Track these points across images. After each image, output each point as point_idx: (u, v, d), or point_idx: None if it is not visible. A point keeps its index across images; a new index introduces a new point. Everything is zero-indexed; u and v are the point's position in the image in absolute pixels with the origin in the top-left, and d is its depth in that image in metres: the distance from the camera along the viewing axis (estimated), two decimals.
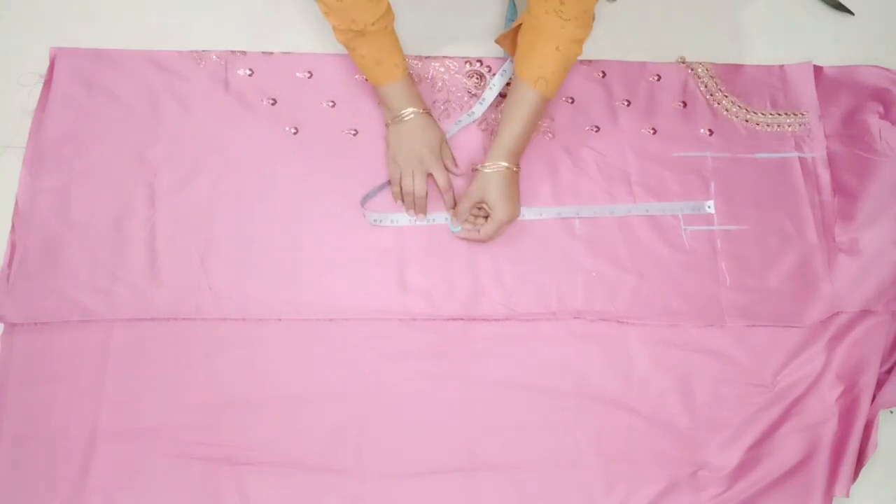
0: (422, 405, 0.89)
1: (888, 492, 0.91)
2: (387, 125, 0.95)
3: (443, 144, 0.95)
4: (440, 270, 0.93)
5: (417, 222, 0.95)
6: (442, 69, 1.02)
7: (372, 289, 0.92)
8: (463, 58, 1.03)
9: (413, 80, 0.94)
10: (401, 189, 0.94)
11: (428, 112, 0.94)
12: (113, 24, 1.02)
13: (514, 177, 0.91)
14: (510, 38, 0.94)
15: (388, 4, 0.85)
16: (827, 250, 0.97)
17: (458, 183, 0.97)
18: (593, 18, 0.87)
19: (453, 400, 0.90)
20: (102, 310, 0.89)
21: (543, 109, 0.91)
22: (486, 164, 0.90)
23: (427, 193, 0.94)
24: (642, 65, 1.04)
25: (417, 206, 0.94)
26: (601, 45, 1.05)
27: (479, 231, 0.92)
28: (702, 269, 0.96)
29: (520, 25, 0.89)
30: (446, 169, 0.95)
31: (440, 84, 1.01)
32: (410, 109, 0.92)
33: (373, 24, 0.84)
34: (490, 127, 0.99)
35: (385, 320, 0.92)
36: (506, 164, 0.89)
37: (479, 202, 0.91)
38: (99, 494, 0.84)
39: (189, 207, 0.93)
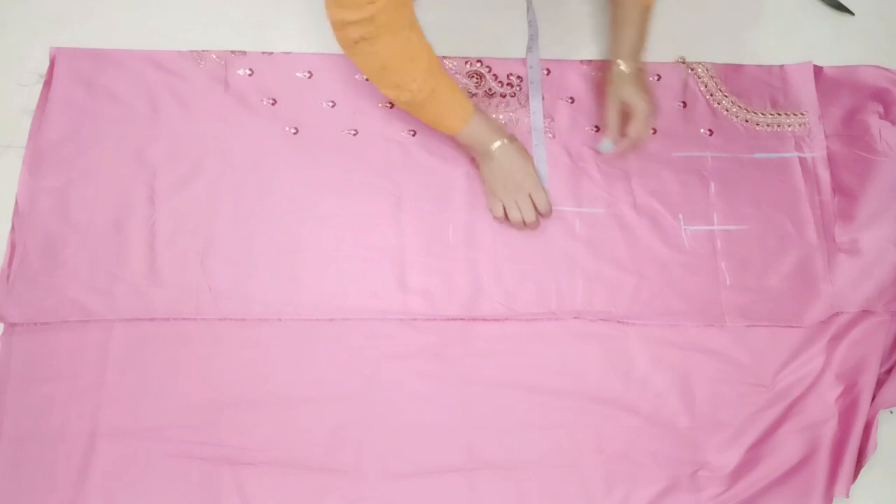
0: (422, 405, 0.89)
1: (888, 492, 0.91)
2: (477, 165, 0.95)
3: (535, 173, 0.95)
4: (440, 270, 0.93)
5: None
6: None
7: (372, 289, 0.92)
8: (463, 58, 1.03)
9: (482, 112, 0.92)
10: (506, 218, 0.93)
11: (513, 138, 0.93)
12: (113, 24, 1.02)
13: (641, 73, 0.93)
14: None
15: (431, 63, 0.84)
16: (827, 250, 0.97)
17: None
18: None
19: (453, 400, 0.90)
20: (102, 310, 0.89)
21: (647, 17, 0.94)
22: (613, 67, 0.93)
23: (537, 218, 0.94)
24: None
25: (530, 228, 0.94)
26: (601, 45, 1.05)
27: (630, 139, 0.92)
28: (702, 269, 0.96)
29: None
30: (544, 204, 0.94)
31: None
32: (497, 143, 0.91)
33: (420, 90, 0.83)
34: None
35: (385, 320, 0.92)
36: (633, 64, 0.92)
37: (622, 104, 0.92)
38: (99, 494, 0.84)
39: (189, 207, 0.93)
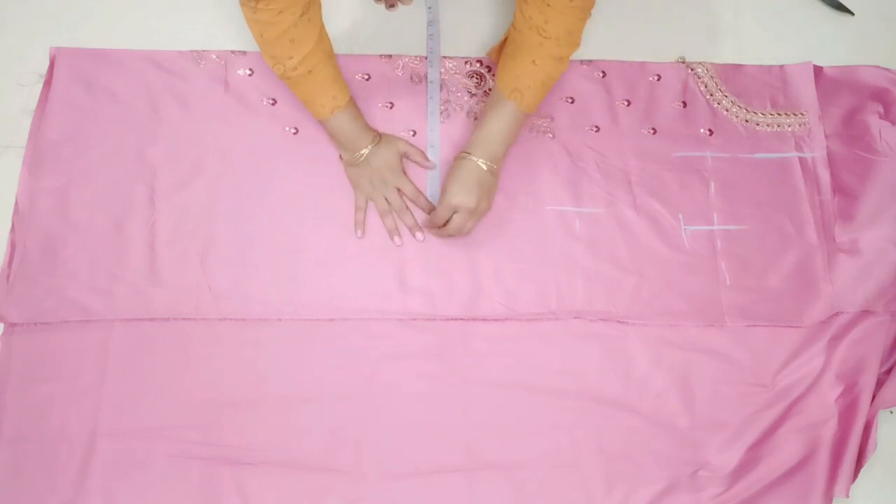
0: (422, 405, 0.89)
1: (888, 492, 0.91)
2: (340, 158, 0.95)
3: (404, 154, 0.95)
4: (440, 270, 0.93)
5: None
6: (442, 69, 1.02)
7: (372, 289, 0.92)
8: (463, 58, 1.03)
9: (356, 113, 0.92)
10: (364, 215, 0.94)
11: (379, 139, 0.93)
12: (113, 24, 1.02)
13: (478, 170, 0.88)
14: (498, 51, 0.94)
15: (317, 49, 0.84)
16: (827, 250, 0.97)
17: None
18: (579, 40, 0.86)
19: (453, 400, 0.90)
20: (102, 310, 0.89)
21: (522, 122, 0.90)
22: (456, 155, 0.91)
23: (406, 206, 0.94)
24: (642, 65, 1.04)
25: (403, 219, 0.94)
26: (601, 46, 1.05)
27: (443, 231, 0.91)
28: (702, 268, 0.96)
29: (505, 39, 0.90)
30: (419, 163, 0.95)
31: (440, 85, 1.01)
32: (363, 151, 0.91)
33: (294, 68, 0.84)
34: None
35: (385, 320, 0.92)
36: (474, 157, 0.88)
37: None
38: (99, 494, 0.84)
39: (189, 207, 0.93)
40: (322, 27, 0.86)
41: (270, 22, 0.80)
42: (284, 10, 0.79)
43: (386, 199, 0.94)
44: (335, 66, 0.89)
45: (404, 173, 0.96)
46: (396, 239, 0.94)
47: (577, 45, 0.86)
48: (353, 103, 0.92)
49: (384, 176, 0.93)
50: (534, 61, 0.86)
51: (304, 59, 0.84)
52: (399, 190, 0.94)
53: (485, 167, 0.89)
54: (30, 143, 0.95)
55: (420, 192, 0.95)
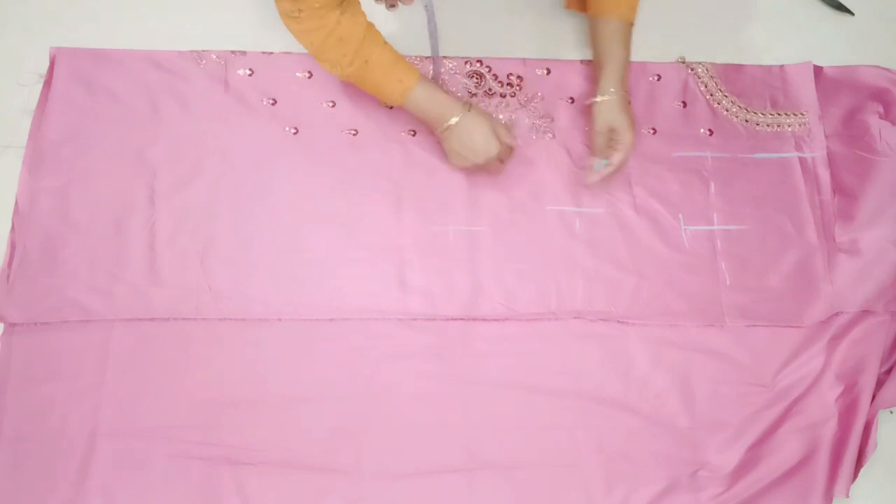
0: (422, 405, 0.89)
1: (888, 492, 0.91)
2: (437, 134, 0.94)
3: (494, 130, 0.92)
4: (440, 270, 0.93)
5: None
6: (442, 69, 1.02)
7: (372, 289, 0.92)
8: (463, 58, 1.03)
9: (430, 84, 0.91)
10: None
11: (469, 107, 0.91)
12: (113, 24, 1.02)
13: (625, 98, 0.93)
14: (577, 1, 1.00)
15: (366, 40, 0.86)
16: (827, 250, 0.97)
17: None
18: None
19: (453, 400, 0.90)
20: (102, 310, 0.89)
21: (630, 33, 0.94)
22: (601, 95, 0.92)
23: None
24: (642, 65, 1.04)
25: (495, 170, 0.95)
26: None
27: (613, 166, 0.92)
28: (702, 268, 0.96)
29: None
30: (508, 142, 0.93)
31: (439, 83, 1.01)
32: (453, 119, 0.90)
33: (350, 64, 0.86)
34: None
35: (385, 320, 0.92)
36: (620, 90, 0.92)
37: (610, 131, 0.92)
38: (99, 494, 0.84)
39: (189, 207, 0.93)
40: (365, 18, 0.87)
41: (316, 27, 0.82)
42: (323, 6, 0.80)
43: (488, 169, 0.94)
44: (392, 51, 0.89)
45: (500, 143, 0.92)
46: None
47: None
48: (424, 80, 0.91)
49: (478, 147, 0.91)
50: None
51: (357, 51, 0.85)
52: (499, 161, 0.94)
53: (627, 95, 0.94)
54: (30, 143, 0.95)
55: (512, 146, 0.94)
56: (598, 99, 0.93)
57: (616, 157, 0.92)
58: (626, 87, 0.94)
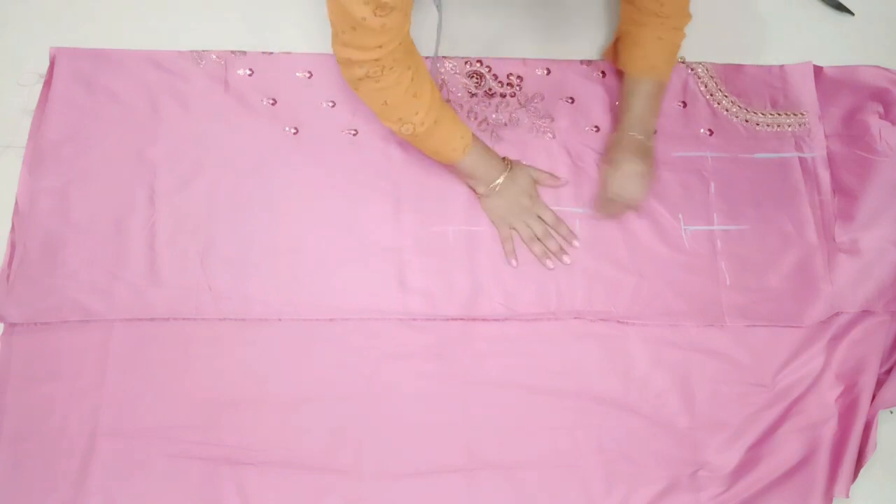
0: (422, 405, 0.89)
1: (888, 492, 0.91)
2: (475, 192, 0.95)
3: (536, 179, 0.95)
4: (440, 270, 0.93)
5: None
6: (442, 69, 1.02)
7: (372, 289, 0.92)
8: (463, 58, 1.03)
9: (481, 142, 0.92)
10: (513, 245, 0.94)
11: (511, 166, 0.93)
12: (113, 24, 1.02)
13: (650, 148, 0.93)
14: (612, 51, 0.98)
15: (433, 97, 0.84)
16: (827, 250, 0.97)
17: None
18: (689, 12, 0.92)
19: (453, 400, 0.90)
20: (102, 310, 0.89)
21: (661, 93, 0.94)
22: (618, 153, 0.92)
23: (550, 232, 0.94)
24: None
25: (548, 244, 0.94)
26: (601, 46, 1.05)
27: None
28: (702, 269, 0.96)
29: (618, 39, 0.95)
30: (550, 185, 0.96)
31: (440, 84, 1.01)
32: (498, 181, 0.91)
33: (422, 123, 0.83)
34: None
35: (385, 320, 0.92)
36: (642, 132, 0.92)
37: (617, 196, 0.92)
38: (99, 494, 0.84)
39: (189, 207, 0.93)
40: (426, 69, 0.85)
41: (394, 84, 0.79)
42: (406, 52, 0.78)
43: (529, 226, 0.93)
44: (449, 106, 0.89)
45: (540, 199, 0.95)
46: (549, 263, 0.93)
47: (689, 16, 0.92)
48: (476, 136, 0.91)
49: (523, 203, 0.93)
50: (659, 37, 0.91)
51: (430, 109, 0.83)
52: (539, 217, 0.94)
53: (644, 139, 0.92)
54: (30, 143, 0.95)
55: (560, 220, 0.95)
56: (614, 169, 0.91)
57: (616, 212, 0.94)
58: (647, 134, 0.93)
